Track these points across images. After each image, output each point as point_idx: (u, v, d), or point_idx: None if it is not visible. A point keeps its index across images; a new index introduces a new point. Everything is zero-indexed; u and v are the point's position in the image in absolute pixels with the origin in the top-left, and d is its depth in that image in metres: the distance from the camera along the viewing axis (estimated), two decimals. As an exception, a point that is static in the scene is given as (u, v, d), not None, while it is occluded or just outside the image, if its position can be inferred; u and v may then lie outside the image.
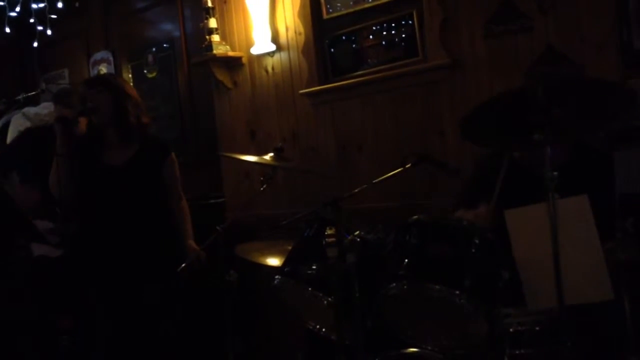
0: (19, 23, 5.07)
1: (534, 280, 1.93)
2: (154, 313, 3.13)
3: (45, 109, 4.29)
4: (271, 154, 2.85)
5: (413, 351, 2.21)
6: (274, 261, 2.80)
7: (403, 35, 3.49)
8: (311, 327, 2.48)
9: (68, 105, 3.43)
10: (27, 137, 3.74)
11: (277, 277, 2.42)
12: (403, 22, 3.49)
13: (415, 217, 2.19)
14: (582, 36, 2.91)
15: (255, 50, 3.99)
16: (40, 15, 4.87)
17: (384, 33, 3.57)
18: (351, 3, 3.69)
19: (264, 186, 2.82)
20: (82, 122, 3.19)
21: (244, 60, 4.14)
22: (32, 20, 4.93)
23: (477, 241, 2.05)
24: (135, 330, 3.11)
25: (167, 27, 4.86)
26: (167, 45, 4.86)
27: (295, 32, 3.88)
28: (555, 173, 1.75)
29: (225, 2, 4.20)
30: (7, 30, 4.95)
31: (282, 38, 3.94)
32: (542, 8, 2.99)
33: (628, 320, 1.95)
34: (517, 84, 2.53)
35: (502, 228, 2.05)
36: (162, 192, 3.21)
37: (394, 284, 2.07)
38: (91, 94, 3.09)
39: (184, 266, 2.85)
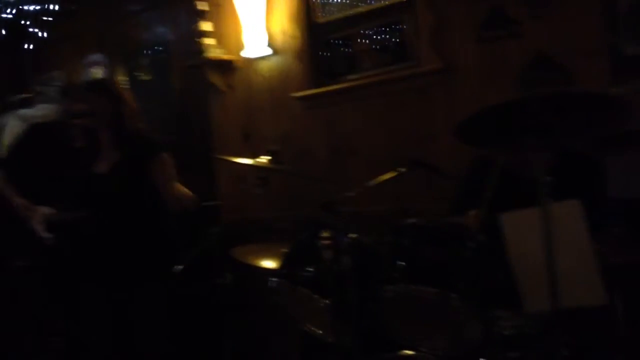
0: (12, 25, 5.06)
1: (529, 283, 1.95)
2: (145, 316, 3.12)
3: (39, 111, 4.28)
4: (266, 157, 2.87)
5: (408, 353, 2.23)
6: (269, 264, 2.81)
7: (396, 40, 3.53)
8: (307, 330, 2.49)
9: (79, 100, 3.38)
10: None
11: (273, 279, 2.45)
12: (396, 27, 3.53)
13: (410, 220, 2.22)
14: (572, 42, 2.95)
15: (249, 54, 4.01)
16: (34, 18, 4.86)
17: (377, 38, 3.60)
18: (345, 8, 3.72)
19: (260, 189, 2.84)
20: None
21: (238, 63, 4.16)
22: (26, 22, 4.93)
23: (472, 244, 2.09)
24: (128, 333, 3.11)
25: (162, 30, 4.84)
26: (162, 48, 4.85)
27: (290, 36, 3.90)
28: (549, 178, 1.78)
29: (219, 5, 4.22)
30: (2, 32, 4.94)
31: (276, 42, 3.96)
32: (533, 14, 3.03)
33: (621, 324, 1.99)
34: (508, 89, 2.57)
35: (491, 232, 2.08)
36: (152, 194, 3.07)
37: (390, 287, 2.10)
38: (93, 98, 3.10)
39: None
